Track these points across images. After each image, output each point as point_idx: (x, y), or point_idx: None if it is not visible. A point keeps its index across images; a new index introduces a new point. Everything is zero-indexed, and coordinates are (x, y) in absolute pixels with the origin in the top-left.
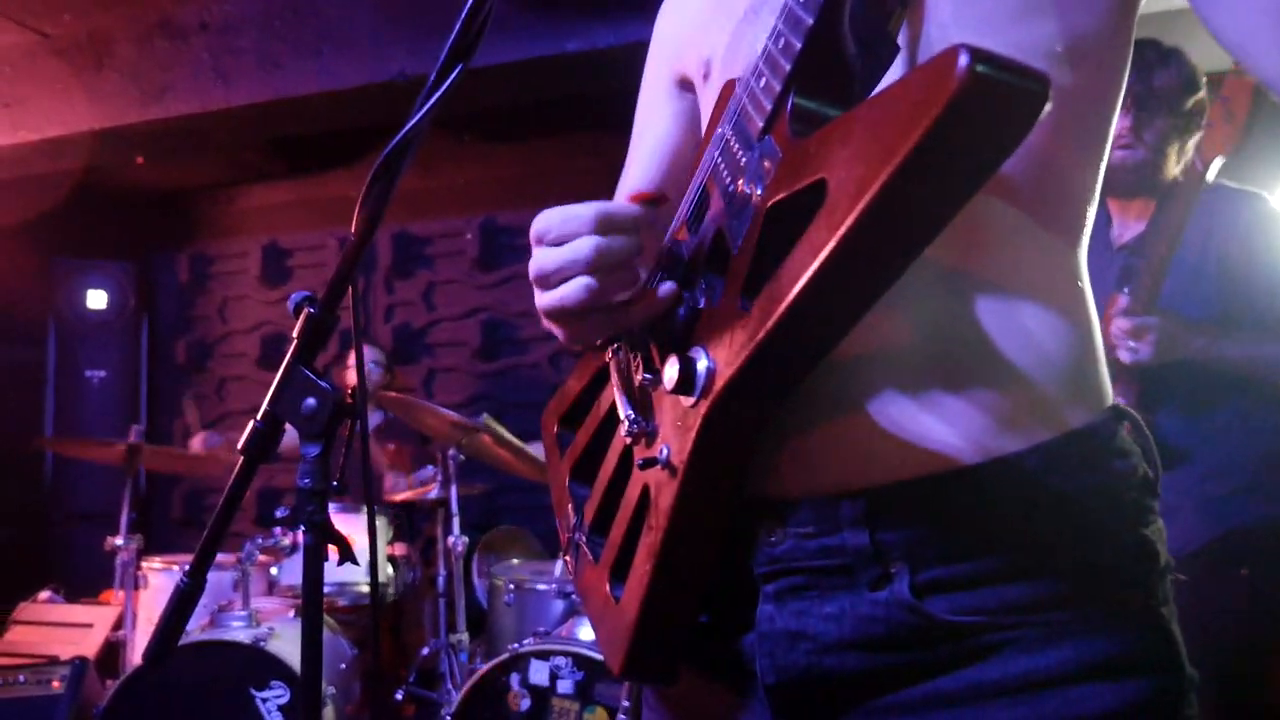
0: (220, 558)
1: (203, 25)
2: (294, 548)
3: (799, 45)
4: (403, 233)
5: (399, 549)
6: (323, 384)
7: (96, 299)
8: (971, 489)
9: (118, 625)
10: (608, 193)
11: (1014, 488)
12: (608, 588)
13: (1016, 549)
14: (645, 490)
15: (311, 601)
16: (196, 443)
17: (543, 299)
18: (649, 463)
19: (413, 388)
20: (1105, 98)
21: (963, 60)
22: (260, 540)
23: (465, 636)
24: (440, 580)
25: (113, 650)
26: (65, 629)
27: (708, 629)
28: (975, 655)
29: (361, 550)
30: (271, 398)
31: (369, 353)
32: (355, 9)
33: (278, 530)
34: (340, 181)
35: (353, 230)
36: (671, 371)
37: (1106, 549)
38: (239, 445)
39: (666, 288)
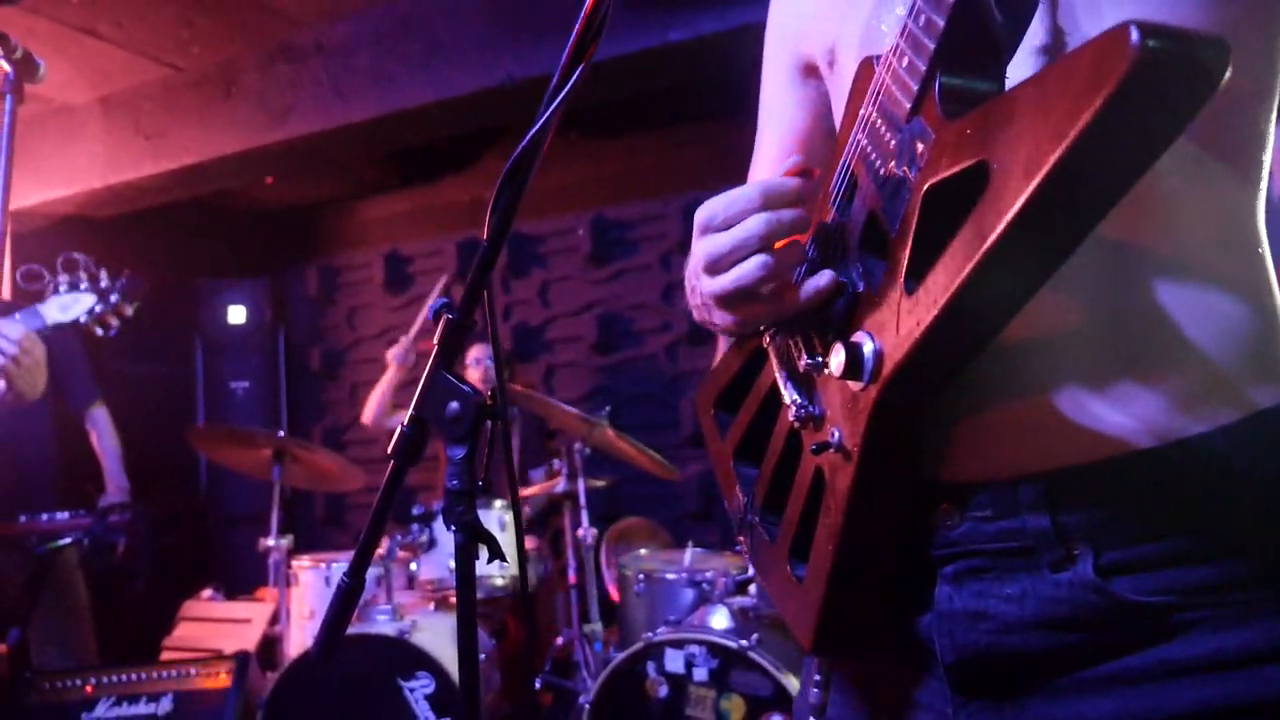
0: None
1: (319, 47)
2: (431, 543)
3: (942, 21)
4: (516, 233)
5: (529, 542)
6: (465, 388)
7: (236, 314)
8: (1154, 471)
9: (273, 620)
10: (716, 181)
11: (1199, 469)
12: (788, 568)
13: (1204, 530)
14: (819, 473)
15: (465, 598)
16: (390, 354)
17: (716, 283)
18: (822, 447)
19: (533, 384)
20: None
21: (1134, 37)
22: (399, 537)
23: (599, 626)
24: (571, 572)
25: (270, 644)
26: (226, 624)
27: (888, 609)
28: (1162, 635)
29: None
30: (417, 403)
31: (485, 349)
32: (462, 18)
33: (414, 527)
34: (453, 189)
35: (484, 235)
36: (839, 357)
37: None
38: (389, 450)
39: (826, 277)
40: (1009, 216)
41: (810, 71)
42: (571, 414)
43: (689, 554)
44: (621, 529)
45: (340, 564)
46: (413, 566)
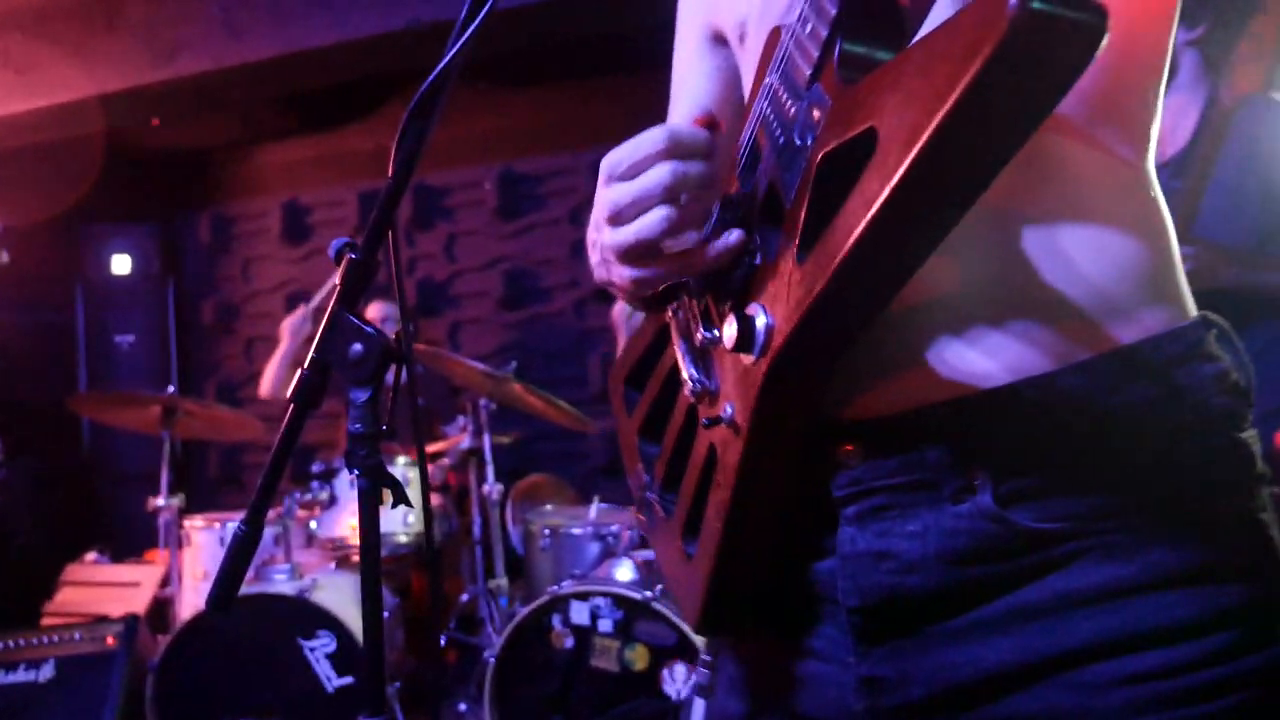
0: None
1: None
2: (331, 501)
3: None
4: (421, 184)
5: (434, 499)
6: (368, 329)
7: (121, 263)
8: (1047, 397)
9: (164, 583)
10: (627, 136)
11: (1090, 393)
12: (681, 544)
13: (1097, 454)
14: (712, 448)
15: (369, 545)
16: (285, 324)
17: (617, 235)
18: (713, 421)
19: (439, 340)
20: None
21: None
22: (298, 495)
23: (504, 582)
24: (476, 528)
25: (161, 607)
26: (113, 588)
27: (776, 577)
28: (1058, 563)
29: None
30: (318, 345)
31: (384, 309)
32: None
33: (314, 484)
34: (358, 136)
35: (390, 173)
36: (731, 330)
37: (1194, 452)
38: (288, 394)
39: (735, 235)
40: (892, 183)
41: (721, 41)
42: (476, 369)
43: (594, 509)
44: (528, 485)
45: (235, 524)
46: (312, 525)
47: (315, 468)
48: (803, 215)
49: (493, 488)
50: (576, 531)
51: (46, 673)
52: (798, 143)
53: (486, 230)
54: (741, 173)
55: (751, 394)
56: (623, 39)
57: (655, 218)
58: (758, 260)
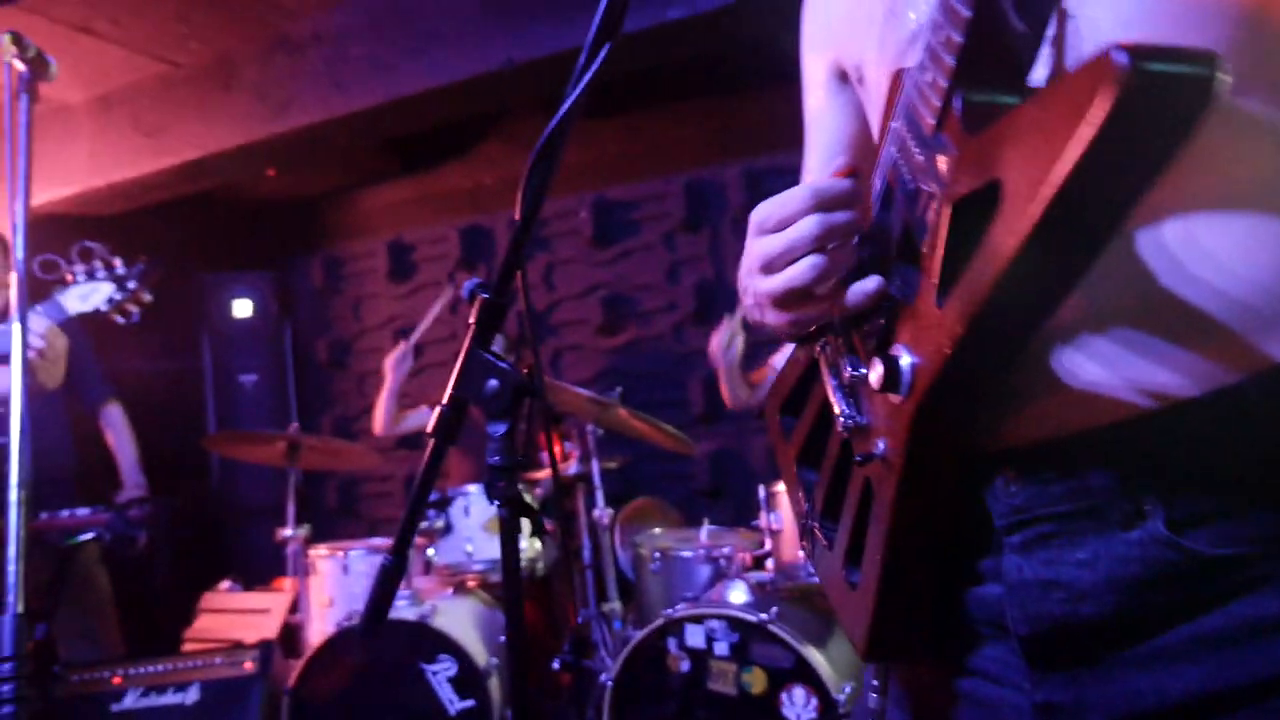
0: (377, 543)
1: (316, 37)
2: (447, 529)
3: (960, 38)
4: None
5: (545, 526)
6: (502, 365)
7: (242, 308)
8: (1217, 414)
9: (293, 609)
10: (718, 158)
11: (1267, 408)
12: (844, 573)
13: (1266, 479)
14: (867, 483)
15: (511, 572)
16: (388, 362)
17: (768, 283)
18: (867, 458)
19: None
20: None
21: (1120, 60)
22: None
23: (618, 605)
24: (586, 553)
25: (290, 632)
26: (246, 615)
27: (941, 608)
28: (1241, 589)
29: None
30: (455, 382)
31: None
32: (456, 3)
33: (430, 513)
34: (454, 175)
35: (516, 214)
36: (877, 370)
37: None
38: (428, 430)
39: (874, 282)
40: (1019, 237)
41: (845, 78)
42: (583, 396)
43: (705, 531)
44: (633, 509)
45: (356, 551)
46: (430, 552)
47: (430, 497)
48: (938, 260)
49: (603, 512)
50: (686, 554)
51: (193, 695)
52: (926, 189)
53: (583, 258)
54: (878, 212)
55: (902, 433)
56: (711, 61)
57: (804, 267)
58: (898, 297)
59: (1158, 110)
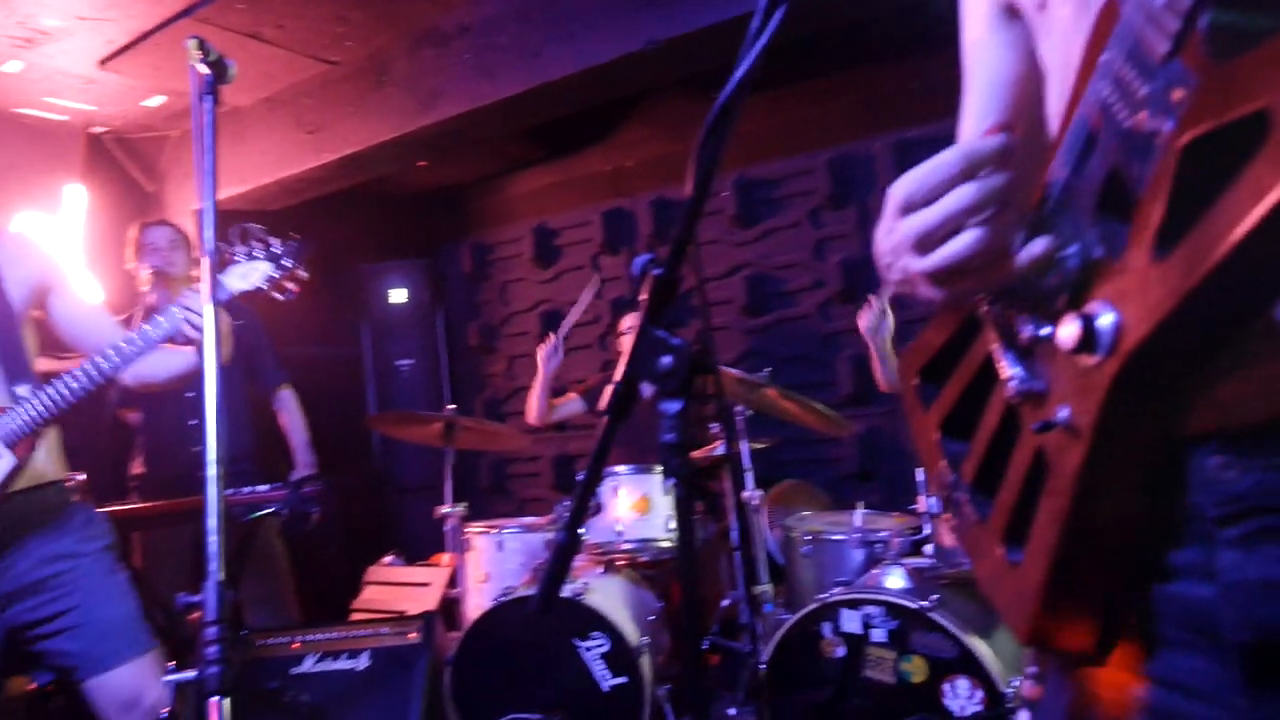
0: (529, 521)
1: (463, 29)
2: (597, 508)
3: None
4: (660, 199)
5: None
6: (675, 341)
7: (398, 295)
8: None
9: (451, 583)
10: (866, 132)
11: None
12: (1001, 551)
13: None
14: (1040, 453)
15: (687, 551)
16: (541, 354)
17: (927, 262)
18: (1046, 426)
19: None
20: None
21: None
22: (566, 503)
23: (769, 588)
24: (734, 534)
25: (449, 605)
26: (408, 588)
27: (1126, 593)
28: None
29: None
30: (629, 360)
31: (635, 318)
32: None
33: None
34: (597, 158)
35: (687, 189)
36: (1070, 329)
37: None
38: (601, 407)
39: (1043, 244)
40: None
41: (1013, 14)
42: (732, 375)
43: (859, 515)
44: (781, 492)
45: (510, 530)
46: (580, 531)
47: (580, 477)
48: (1161, 206)
49: (753, 494)
50: (839, 538)
51: (363, 662)
52: (1151, 127)
53: (726, 238)
54: (1071, 160)
55: (1095, 397)
56: (856, 31)
57: (965, 241)
58: (1096, 254)
59: None
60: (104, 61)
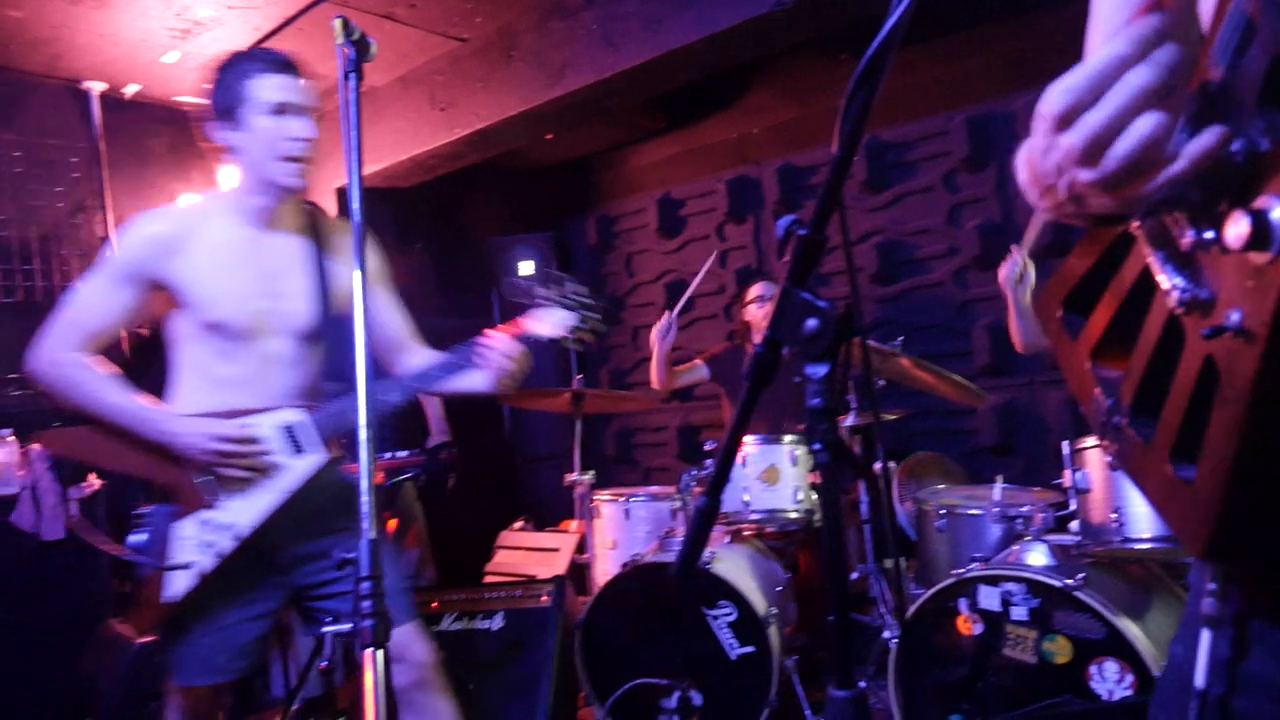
0: (656, 490)
1: (589, 0)
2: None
3: None
4: (787, 165)
5: (811, 477)
6: (821, 304)
7: (526, 268)
8: None
9: (579, 549)
10: (1003, 91)
11: None
12: (1170, 469)
13: None
14: (1209, 361)
15: (832, 517)
16: (654, 331)
17: (1102, 165)
18: (1216, 331)
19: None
20: None
21: None
22: (695, 472)
23: (902, 561)
24: (863, 506)
25: (577, 570)
26: (538, 553)
27: None
28: None
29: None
30: (771, 323)
31: (763, 287)
32: None
33: (708, 463)
34: (720, 126)
35: (834, 148)
36: (1239, 227)
37: None
38: (744, 373)
39: (1218, 131)
40: None
41: None
42: (865, 345)
43: (998, 489)
44: (913, 464)
45: (637, 498)
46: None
47: (708, 445)
48: None
49: (884, 466)
50: (975, 512)
51: (498, 623)
52: None
53: (855, 204)
54: (1226, 55)
55: (1271, 296)
56: None
57: (1145, 126)
58: (1264, 146)
59: None
60: (252, 48)
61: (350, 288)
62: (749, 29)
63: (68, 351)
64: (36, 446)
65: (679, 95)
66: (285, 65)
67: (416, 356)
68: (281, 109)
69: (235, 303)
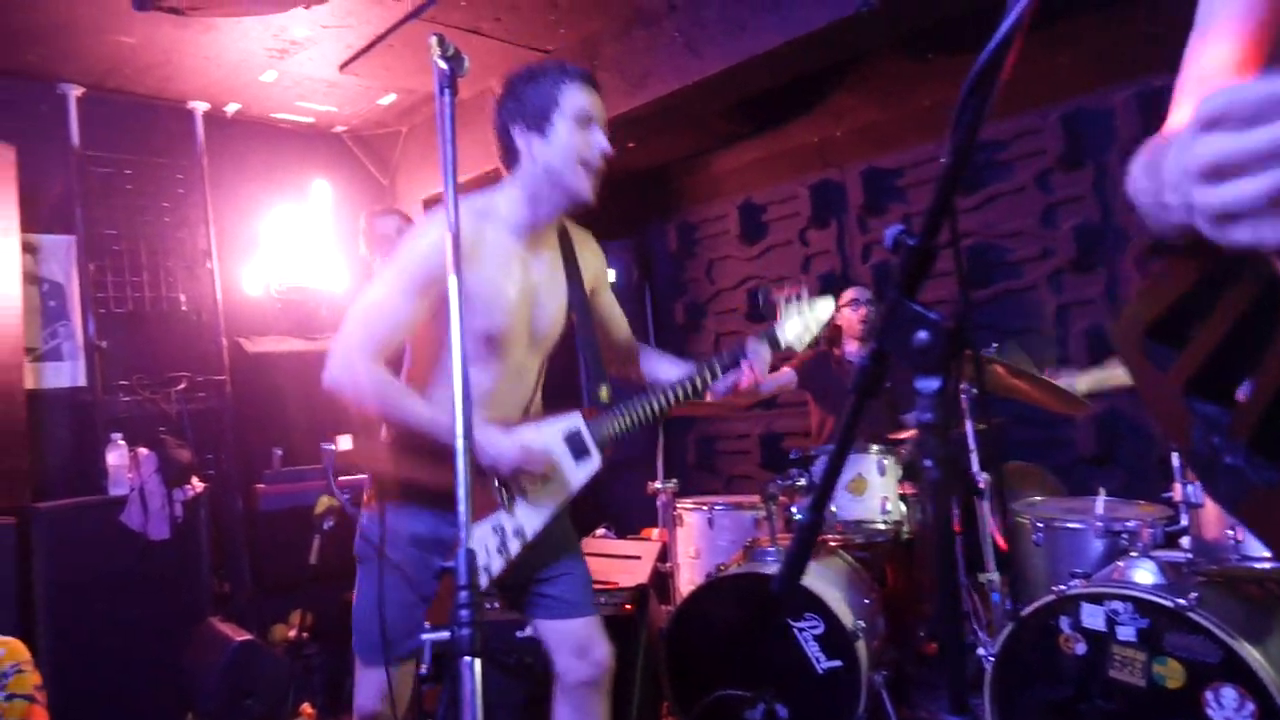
0: (740, 499)
1: (671, 7)
2: (809, 487)
3: None
4: (870, 169)
5: (909, 487)
6: (932, 315)
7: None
8: None
9: (661, 557)
10: (1101, 85)
11: None
12: None
13: None
14: None
15: (944, 534)
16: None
17: (1215, 194)
18: None
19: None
20: None
21: None
22: (779, 481)
23: (996, 576)
24: (955, 518)
25: (660, 579)
26: (619, 560)
27: None
28: None
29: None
30: (878, 335)
31: (857, 291)
32: None
33: (792, 472)
34: (802, 131)
35: (946, 154)
36: None
37: None
38: (851, 387)
39: None
40: None
41: None
42: (978, 358)
43: (1100, 502)
44: (1007, 474)
45: (720, 507)
46: (792, 510)
47: (793, 454)
48: None
49: (979, 476)
50: (1075, 526)
51: None
52: None
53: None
54: None
55: None
56: None
57: (1271, 180)
58: None
59: None
60: (343, 66)
61: (595, 300)
62: (834, 31)
63: (368, 363)
64: (144, 450)
65: (760, 99)
66: (589, 78)
67: (657, 360)
68: (586, 119)
69: (506, 314)
